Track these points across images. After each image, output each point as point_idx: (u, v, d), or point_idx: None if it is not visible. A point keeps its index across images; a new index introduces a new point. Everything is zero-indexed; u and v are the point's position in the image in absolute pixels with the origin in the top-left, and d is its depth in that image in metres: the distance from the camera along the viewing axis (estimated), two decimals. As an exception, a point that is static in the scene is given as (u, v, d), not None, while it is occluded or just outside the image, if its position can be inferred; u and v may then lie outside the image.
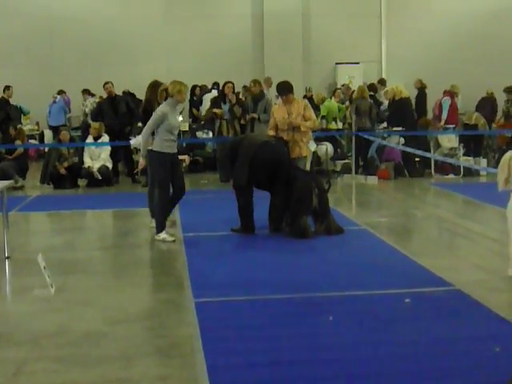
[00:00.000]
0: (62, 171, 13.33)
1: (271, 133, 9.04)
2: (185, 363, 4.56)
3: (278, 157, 8.53)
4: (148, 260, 8.01)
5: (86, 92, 18.14)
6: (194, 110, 17.74)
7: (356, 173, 14.12)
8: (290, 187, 8.41)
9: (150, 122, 8.32)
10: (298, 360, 4.52)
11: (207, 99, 16.66)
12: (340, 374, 4.34)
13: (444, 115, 15.26)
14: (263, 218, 8.62)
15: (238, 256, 7.62)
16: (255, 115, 13.16)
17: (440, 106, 15.72)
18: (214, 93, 16.69)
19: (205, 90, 17.85)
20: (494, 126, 16.56)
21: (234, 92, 14.13)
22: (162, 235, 8.31)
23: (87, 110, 17.69)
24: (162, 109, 8.25)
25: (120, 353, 4.73)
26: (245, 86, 16.24)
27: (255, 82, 13.58)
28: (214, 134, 14.41)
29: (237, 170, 8.52)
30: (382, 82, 18.16)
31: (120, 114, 14.16)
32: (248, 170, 8.41)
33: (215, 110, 13.95)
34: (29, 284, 6.53)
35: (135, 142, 10.58)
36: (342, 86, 18.17)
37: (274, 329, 5.15)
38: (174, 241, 8.30)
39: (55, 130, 17.68)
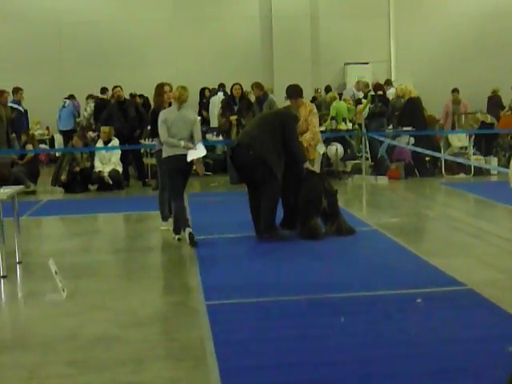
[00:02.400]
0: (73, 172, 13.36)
1: None
2: (197, 366, 4.56)
3: (245, 162, 8.33)
4: (159, 263, 8.02)
5: (90, 97, 18.10)
6: (204, 113, 17.74)
7: (366, 173, 14.08)
8: (276, 188, 8.27)
9: None
10: (311, 362, 4.51)
11: (214, 102, 16.66)
12: (353, 374, 4.33)
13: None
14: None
15: (248, 258, 7.61)
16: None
17: (447, 114, 15.99)
18: (220, 95, 16.64)
19: (214, 92, 17.85)
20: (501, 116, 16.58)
21: (242, 94, 14.06)
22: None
23: (86, 114, 17.71)
24: None
25: (132, 356, 4.74)
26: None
27: (256, 84, 13.55)
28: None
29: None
30: (388, 82, 18.14)
31: (129, 117, 14.18)
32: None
33: (231, 118, 13.73)
34: (41, 288, 6.55)
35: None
36: (357, 82, 18.00)
37: (286, 331, 5.13)
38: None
39: (65, 135, 17.74)
